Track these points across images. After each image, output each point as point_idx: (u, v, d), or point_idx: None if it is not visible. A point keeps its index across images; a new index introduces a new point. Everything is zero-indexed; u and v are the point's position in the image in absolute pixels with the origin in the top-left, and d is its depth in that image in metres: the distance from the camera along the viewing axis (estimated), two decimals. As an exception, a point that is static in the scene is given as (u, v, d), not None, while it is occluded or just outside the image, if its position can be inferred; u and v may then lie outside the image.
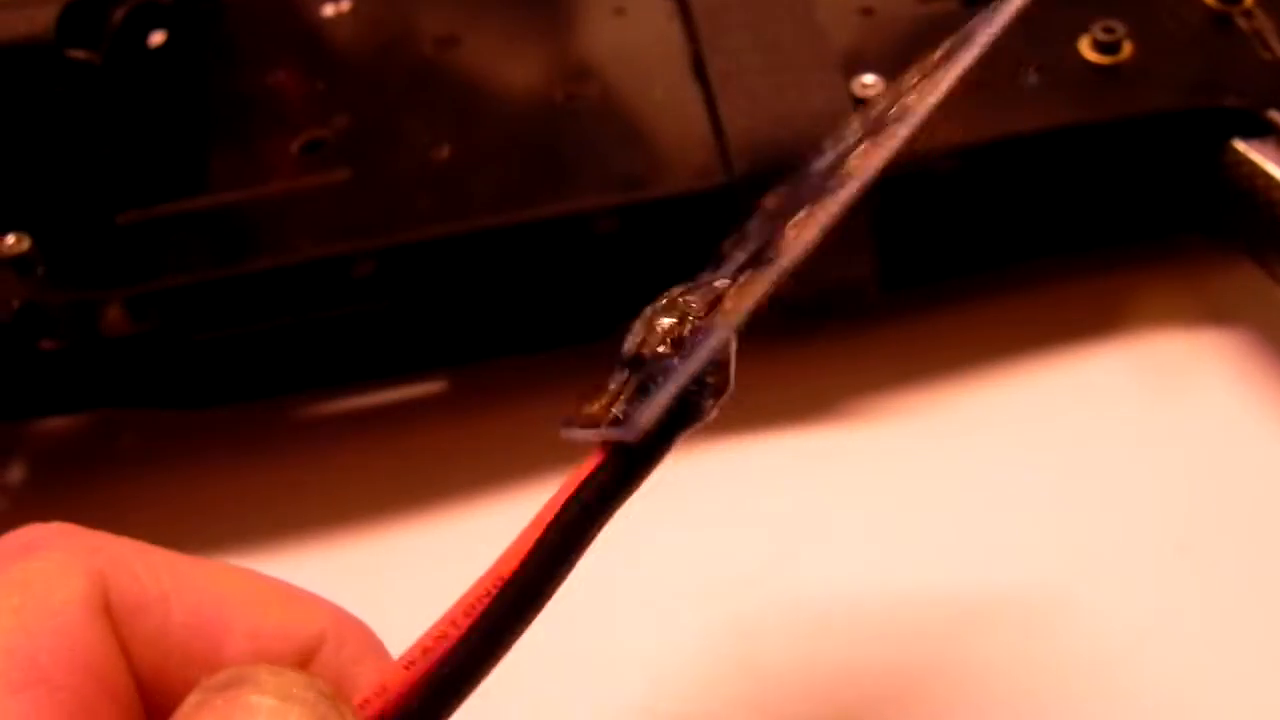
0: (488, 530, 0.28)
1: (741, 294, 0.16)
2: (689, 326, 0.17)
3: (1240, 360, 0.29)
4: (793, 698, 0.25)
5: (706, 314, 0.17)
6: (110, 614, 0.16)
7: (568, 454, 0.26)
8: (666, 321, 0.17)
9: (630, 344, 0.17)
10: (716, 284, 0.17)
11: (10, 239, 0.29)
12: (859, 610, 0.26)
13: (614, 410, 0.16)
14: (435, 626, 0.17)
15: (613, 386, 0.17)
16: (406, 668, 0.16)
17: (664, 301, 0.18)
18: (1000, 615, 0.26)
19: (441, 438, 0.31)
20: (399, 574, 0.29)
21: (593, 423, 0.17)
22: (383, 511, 0.30)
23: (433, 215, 0.28)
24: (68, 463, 0.32)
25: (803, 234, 0.16)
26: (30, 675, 0.15)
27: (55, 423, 0.33)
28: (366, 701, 0.16)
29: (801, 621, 0.26)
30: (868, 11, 0.30)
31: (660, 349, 0.17)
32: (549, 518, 0.17)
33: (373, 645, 0.19)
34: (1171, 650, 0.25)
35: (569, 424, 0.17)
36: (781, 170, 0.21)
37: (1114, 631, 0.25)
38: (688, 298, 0.17)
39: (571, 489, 0.17)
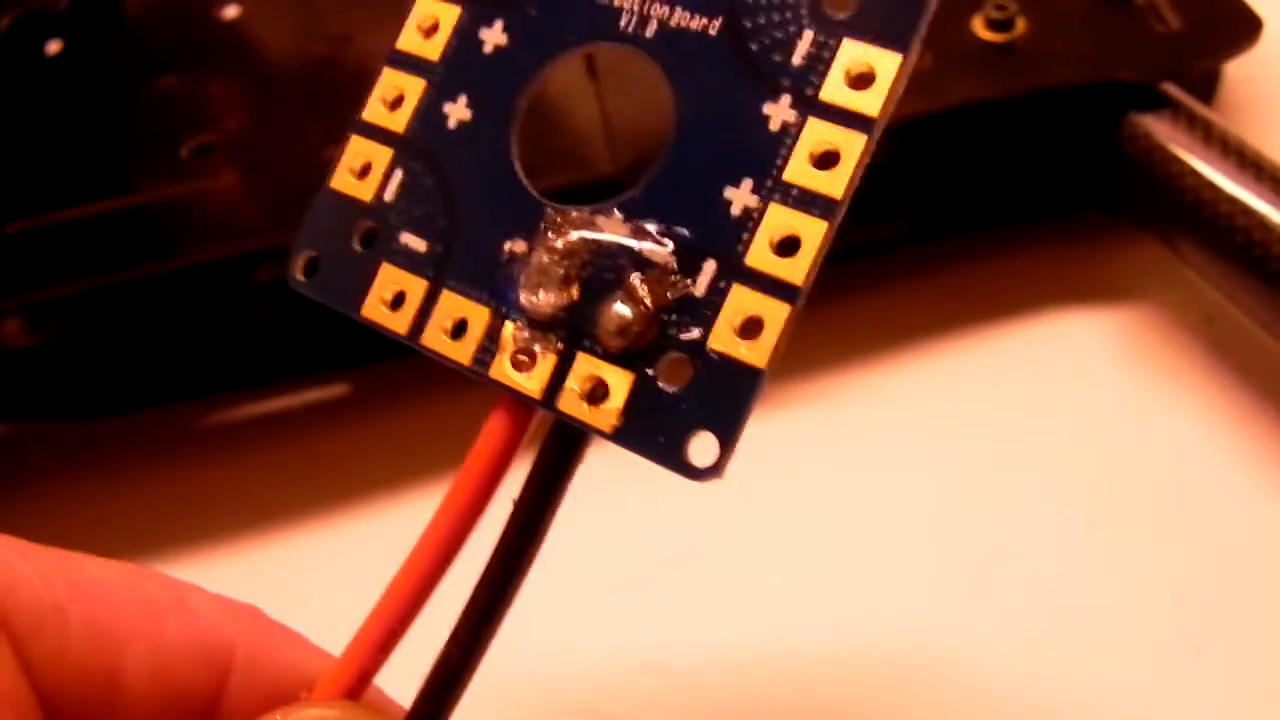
0: (394, 527, 0.28)
1: (753, 336, 0.15)
2: (653, 329, 0.15)
3: (1142, 334, 0.28)
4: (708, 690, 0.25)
5: (660, 306, 0.15)
6: (6, 631, 0.15)
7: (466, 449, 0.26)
8: (622, 311, 0.15)
9: (545, 303, 0.16)
10: (656, 256, 0.16)
11: (-103, 253, 0.28)
12: (770, 582, 0.26)
13: (570, 393, 0.16)
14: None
15: (538, 349, 0.16)
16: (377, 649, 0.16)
17: (574, 254, 0.16)
18: (907, 593, 0.25)
19: (346, 439, 0.31)
20: (308, 573, 0.28)
21: (542, 399, 0.16)
22: (289, 513, 0.30)
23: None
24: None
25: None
26: None
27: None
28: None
29: (717, 604, 0.26)
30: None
31: (614, 341, 0.15)
32: (472, 488, 0.16)
33: (284, 636, 0.18)
34: (1081, 626, 0.25)
35: (537, 406, 0.16)
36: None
37: (1025, 608, 0.25)
38: (634, 276, 0.16)
39: (503, 455, 0.16)
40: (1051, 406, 0.28)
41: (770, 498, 0.26)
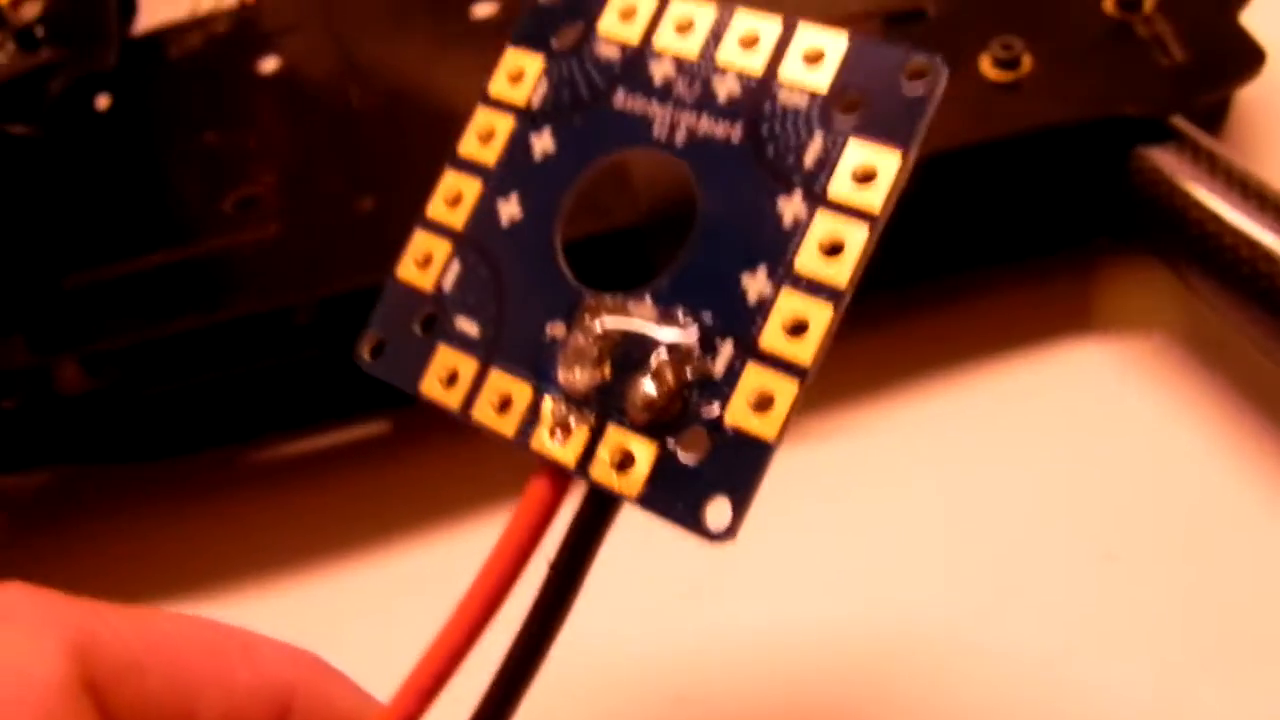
0: (434, 564, 0.30)
1: (765, 412, 0.17)
2: (676, 404, 0.17)
3: (1155, 363, 0.29)
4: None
5: (682, 384, 0.17)
6: (89, 690, 0.16)
7: (506, 489, 0.28)
8: (649, 389, 0.17)
9: (580, 380, 0.18)
10: (679, 340, 0.17)
11: (-40, 309, 0.30)
12: (792, 618, 0.27)
13: (601, 462, 0.17)
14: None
15: (573, 422, 0.18)
16: (422, 696, 0.18)
17: (608, 336, 0.18)
18: (931, 621, 0.26)
19: (386, 476, 0.32)
20: (351, 610, 0.30)
21: (576, 468, 0.18)
22: (333, 550, 0.31)
23: (359, 264, 0.29)
24: (32, 517, 0.33)
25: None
26: None
27: (18, 479, 0.34)
28: None
29: (734, 637, 0.27)
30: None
31: (642, 415, 0.17)
32: (515, 547, 0.18)
33: (341, 681, 0.19)
34: (1100, 656, 0.25)
35: (571, 475, 0.18)
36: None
37: (1044, 636, 0.26)
38: (659, 356, 0.17)
39: (542, 519, 0.18)
40: (1066, 436, 0.28)
41: (786, 528, 0.27)
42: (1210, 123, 0.30)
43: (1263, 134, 0.32)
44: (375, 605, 0.29)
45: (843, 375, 0.29)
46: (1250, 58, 0.29)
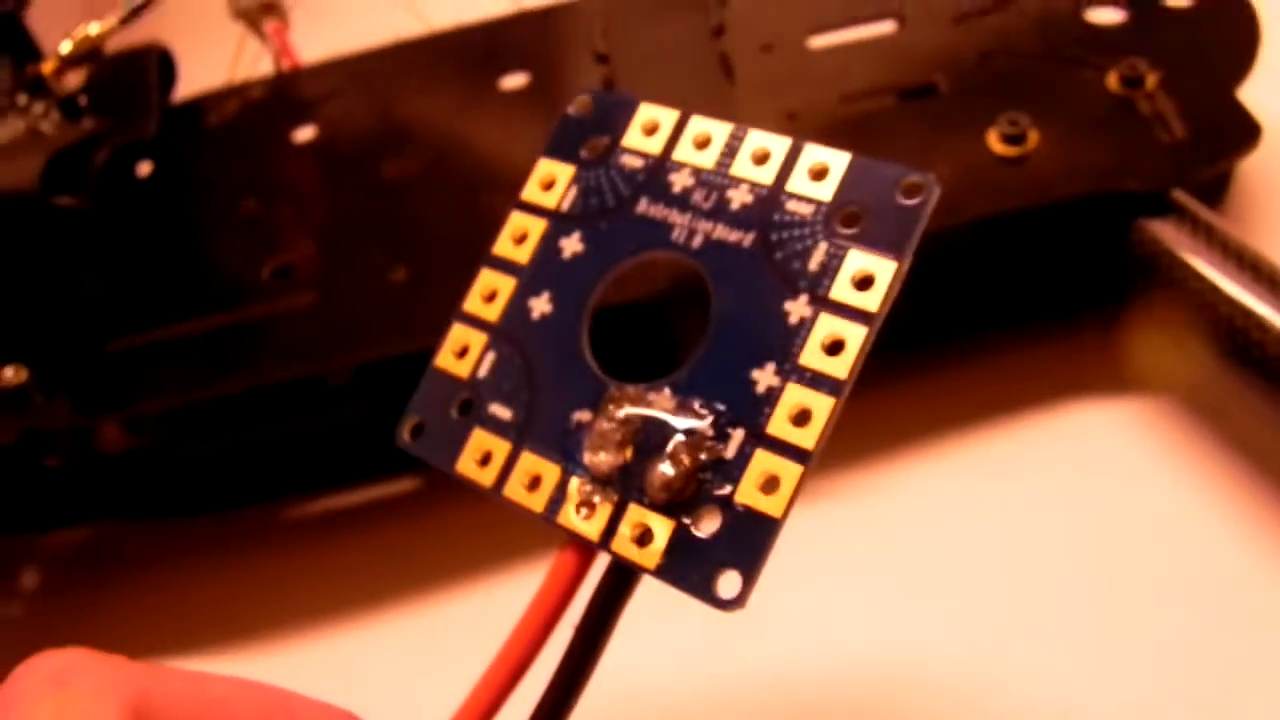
0: (464, 619, 0.31)
1: (772, 492, 0.18)
2: (691, 485, 0.19)
3: (1158, 424, 0.30)
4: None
5: (698, 466, 0.19)
6: None
7: (532, 547, 0.29)
8: (668, 471, 0.19)
9: (604, 462, 0.19)
10: (694, 427, 0.19)
11: (9, 371, 0.31)
12: (795, 684, 0.28)
13: (622, 537, 0.19)
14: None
15: (597, 500, 0.19)
16: None
17: (629, 423, 0.19)
18: (930, 683, 0.27)
19: (418, 533, 0.33)
20: (383, 664, 0.31)
21: (599, 542, 0.19)
22: (366, 605, 0.32)
23: (392, 332, 0.30)
24: (76, 571, 0.35)
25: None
26: None
27: (63, 534, 0.35)
28: None
29: (751, 685, 0.28)
30: (792, 116, 0.32)
31: (660, 495, 0.19)
32: (543, 615, 0.19)
33: None
34: (1096, 708, 0.26)
35: (594, 548, 0.19)
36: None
37: (1043, 697, 0.27)
38: (675, 436, 0.19)
39: (568, 589, 0.19)
40: (1069, 495, 0.29)
41: (793, 587, 0.28)
42: (1212, 195, 0.32)
43: (1263, 205, 0.33)
44: (406, 659, 0.30)
45: (854, 436, 0.30)
46: (1246, 132, 0.30)
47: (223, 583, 0.33)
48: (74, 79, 0.37)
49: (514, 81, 0.36)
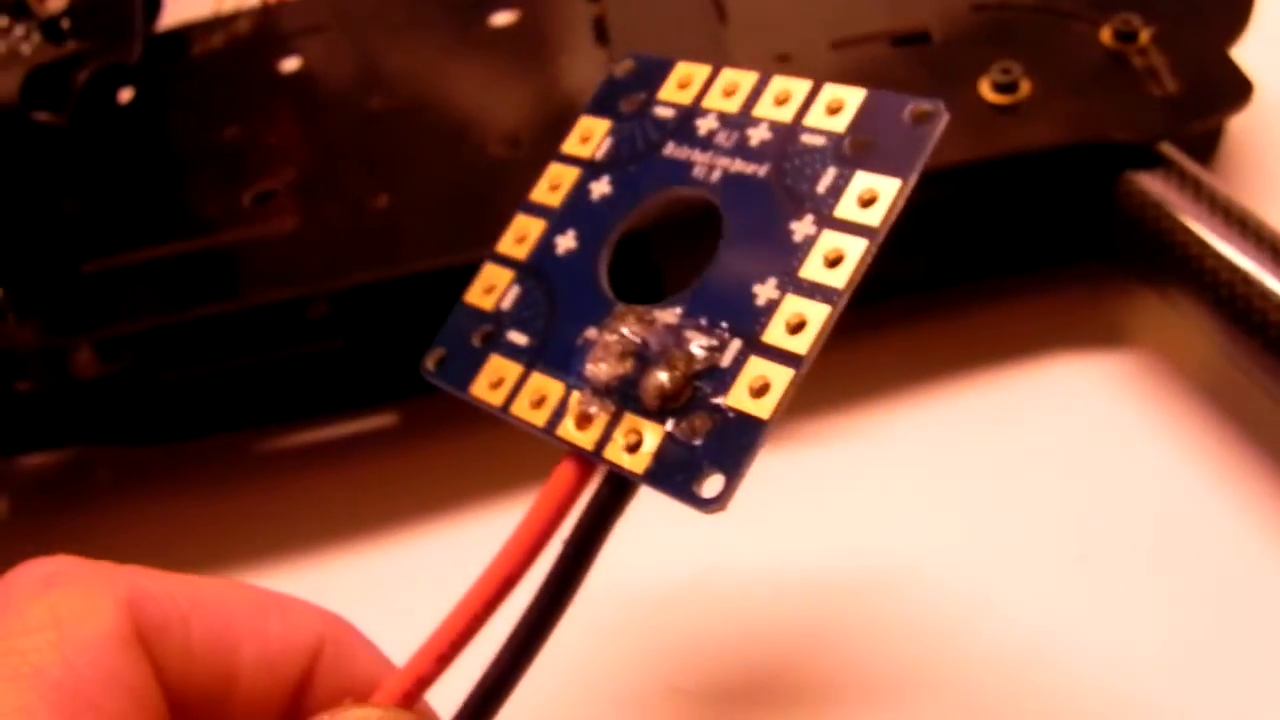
0: (437, 552, 0.31)
1: (762, 396, 0.18)
2: (686, 391, 0.19)
3: (1139, 379, 0.30)
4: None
5: (693, 374, 0.19)
6: (140, 640, 0.18)
7: (507, 477, 0.29)
8: (662, 377, 0.19)
9: (603, 372, 0.20)
10: (694, 338, 0.19)
11: (-18, 289, 0.31)
12: (776, 618, 0.28)
13: (614, 445, 0.19)
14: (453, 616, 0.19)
15: (595, 411, 0.20)
16: (438, 660, 0.19)
17: (630, 334, 0.20)
18: (911, 616, 0.27)
19: (393, 467, 0.33)
20: (357, 593, 0.30)
21: (593, 451, 0.19)
22: (343, 534, 0.32)
23: (372, 260, 0.30)
24: (47, 496, 0.34)
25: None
26: (79, 704, 0.16)
27: (34, 459, 0.35)
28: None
29: (725, 629, 0.28)
30: (784, 59, 0.32)
31: (655, 401, 0.19)
32: (539, 524, 0.19)
33: (363, 641, 0.21)
34: (1069, 654, 0.26)
35: (588, 457, 0.20)
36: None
37: (1018, 633, 0.27)
38: (675, 350, 0.19)
39: (565, 501, 0.19)
40: (1048, 446, 0.29)
41: (772, 530, 0.28)
42: (1202, 152, 0.32)
43: (1253, 163, 0.33)
44: (380, 590, 0.30)
45: (837, 381, 0.30)
46: (1239, 90, 0.30)
47: (194, 511, 0.33)
48: (57, 2, 0.36)
49: (503, 18, 0.35)
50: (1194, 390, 0.30)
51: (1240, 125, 0.33)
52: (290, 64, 0.36)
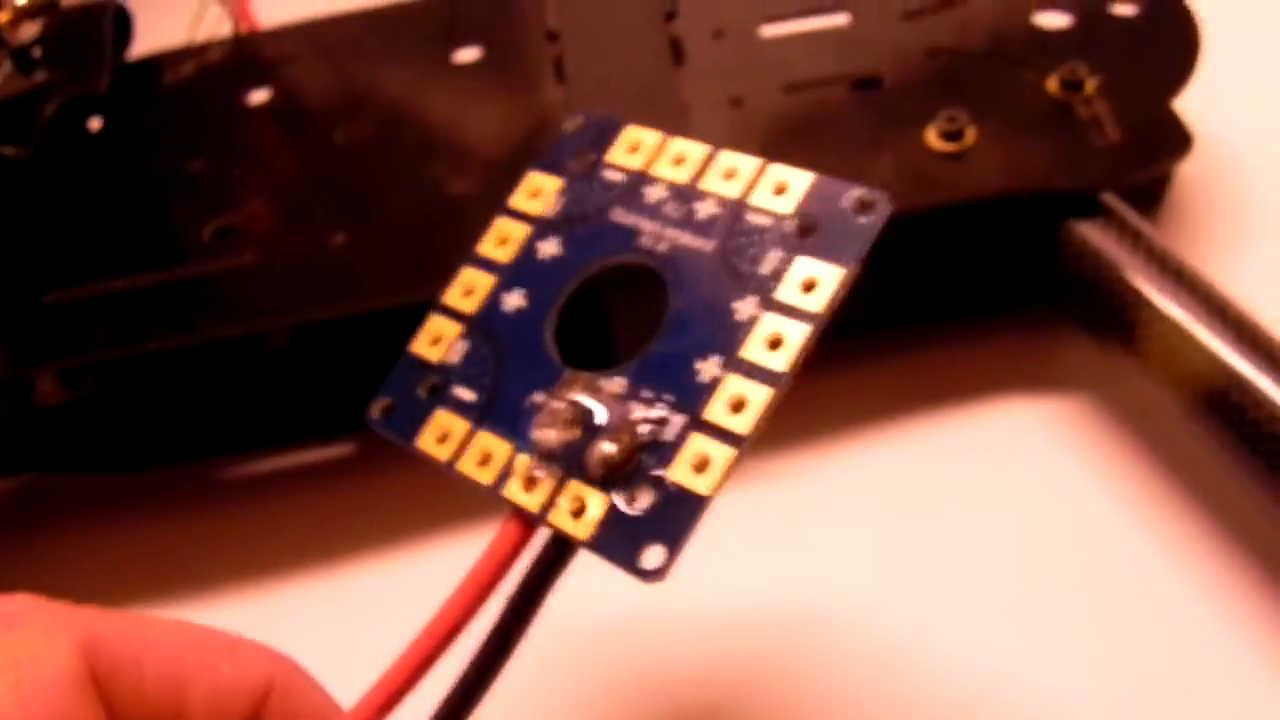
0: (392, 582, 0.31)
1: (703, 472, 0.19)
2: (631, 462, 0.20)
3: (1080, 426, 0.31)
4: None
5: (638, 445, 0.20)
6: (94, 682, 0.18)
7: (462, 514, 0.29)
8: (608, 449, 0.20)
9: (551, 438, 0.20)
10: (638, 411, 0.20)
11: (-55, 319, 0.31)
12: (714, 655, 0.28)
13: (559, 510, 0.20)
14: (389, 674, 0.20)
15: (541, 475, 0.20)
16: (381, 709, 0.20)
17: (578, 402, 0.20)
18: (849, 654, 0.28)
19: (349, 498, 0.33)
20: (311, 624, 0.31)
21: (538, 514, 0.20)
22: (295, 565, 0.32)
23: (329, 296, 0.31)
24: (3, 522, 0.35)
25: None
26: None
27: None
28: None
29: (675, 666, 0.29)
30: (737, 103, 0.33)
31: (599, 471, 0.20)
32: (482, 579, 0.20)
33: (311, 684, 0.21)
34: (1006, 697, 0.27)
35: (533, 520, 0.20)
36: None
37: (955, 674, 0.27)
38: (620, 423, 0.20)
39: (508, 558, 0.20)
40: (990, 489, 0.30)
41: (712, 567, 0.29)
42: (1147, 202, 0.32)
43: (1199, 213, 0.34)
44: (336, 620, 0.31)
45: (780, 420, 0.30)
46: (1178, 141, 0.31)
47: (153, 539, 0.34)
48: (28, 30, 0.37)
49: (468, 55, 0.36)
50: (1134, 437, 0.30)
51: (1188, 173, 0.33)
52: (258, 96, 0.36)
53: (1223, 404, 0.26)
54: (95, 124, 0.36)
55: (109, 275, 0.32)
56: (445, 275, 0.24)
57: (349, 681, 0.21)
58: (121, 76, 0.37)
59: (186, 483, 0.34)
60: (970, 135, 0.31)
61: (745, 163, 0.22)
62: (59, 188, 0.34)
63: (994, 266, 0.32)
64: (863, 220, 0.20)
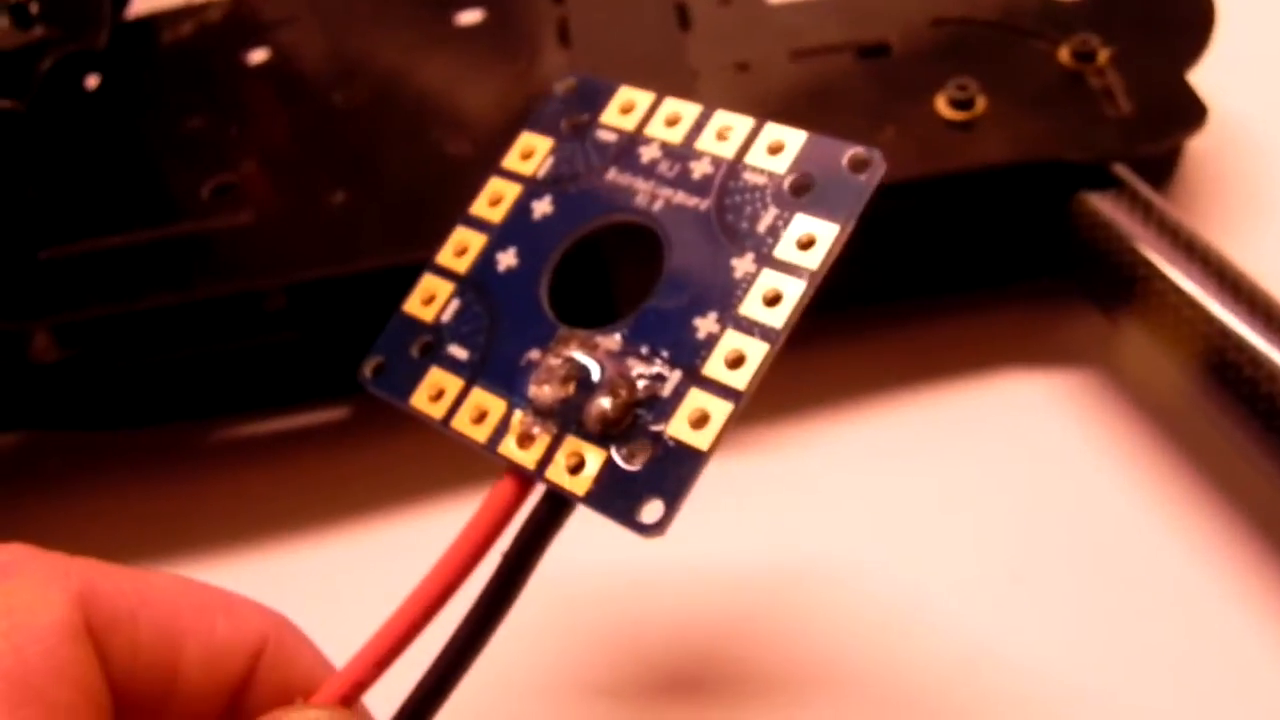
0: (386, 546, 0.31)
1: (701, 427, 0.19)
2: (627, 418, 0.20)
3: (1085, 399, 0.30)
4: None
5: (635, 401, 0.20)
6: (89, 633, 0.18)
7: (453, 477, 0.29)
8: (606, 404, 0.19)
9: (547, 394, 0.20)
10: (635, 367, 0.20)
11: (-63, 273, 0.31)
12: (709, 620, 0.28)
13: (556, 465, 0.20)
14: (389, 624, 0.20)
15: (537, 431, 0.20)
16: (376, 665, 0.19)
17: (574, 359, 0.20)
18: (843, 621, 0.28)
19: (344, 461, 0.33)
20: (305, 585, 0.31)
21: (535, 470, 0.20)
22: (290, 527, 0.32)
23: (327, 256, 0.30)
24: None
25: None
26: (27, 694, 0.17)
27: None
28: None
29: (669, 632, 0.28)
30: (743, 68, 0.32)
31: (596, 426, 0.20)
32: (477, 537, 0.20)
33: (305, 642, 0.21)
34: (998, 667, 0.27)
35: (530, 476, 0.20)
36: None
37: (948, 642, 0.27)
38: (617, 378, 0.20)
39: (503, 516, 0.20)
40: (992, 461, 0.30)
41: (710, 534, 0.28)
42: (1159, 175, 0.32)
43: (1211, 186, 0.33)
44: (328, 583, 0.30)
45: (784, 389, 0.30)
46: (1193, 113, 0.30)
47: (147, 498, 0.33)
48: (25, -14, 0.36)
49: (470, 17, 0.35)
50: (1140, 411, 0.30)
51: (1199, 148, 0.33)
52: (257, 56, 0.36)
53: (1234, 376, 0.26)
54: (93, 81, 0.36)
55: (106, 232, 0.31)
56: (444, 236, 0.23)
57: (343, 641, 0.20)
58: (120, 35, 0.36)
59: (182, 443, 0.34)
60: (981, 104, 0.30)
61: (739, 121, 0.22)
62: (56, 143, 0.34)
63: (1004, 237, 0.32)
64: (859, 178, 0.20)
